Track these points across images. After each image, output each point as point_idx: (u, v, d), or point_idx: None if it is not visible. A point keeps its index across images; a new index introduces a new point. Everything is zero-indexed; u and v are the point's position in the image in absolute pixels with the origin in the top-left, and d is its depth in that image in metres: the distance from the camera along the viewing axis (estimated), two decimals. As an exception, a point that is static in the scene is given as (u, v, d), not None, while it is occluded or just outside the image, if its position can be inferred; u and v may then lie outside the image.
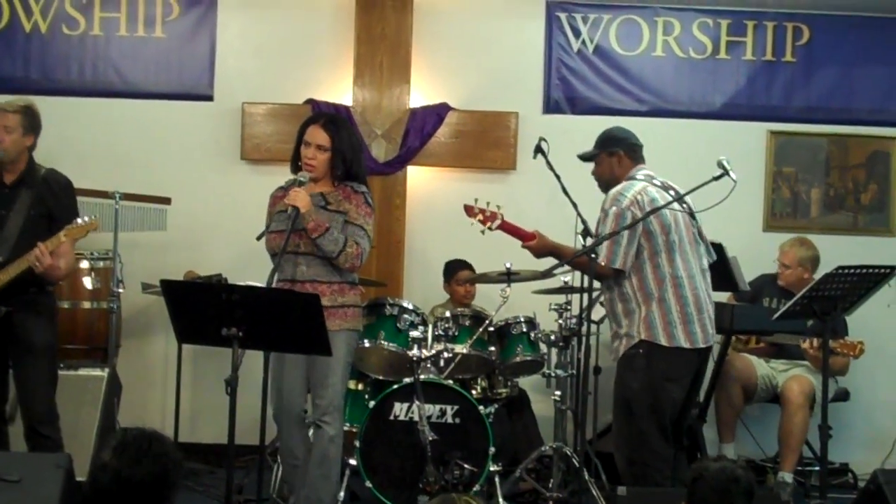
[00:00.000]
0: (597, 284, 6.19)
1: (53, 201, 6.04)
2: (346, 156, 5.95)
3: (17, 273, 5.85)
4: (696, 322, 5.91)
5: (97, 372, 7.05)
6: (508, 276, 7.06)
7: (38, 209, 5.97)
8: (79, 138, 8.14)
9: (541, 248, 6.16)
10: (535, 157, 6.69)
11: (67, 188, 6.18)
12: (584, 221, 6.37)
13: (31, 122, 6.11)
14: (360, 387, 7.05)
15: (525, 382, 7.61)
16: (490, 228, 6.23)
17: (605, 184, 6.22)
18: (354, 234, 5.87)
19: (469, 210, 6.26)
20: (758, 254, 8.03)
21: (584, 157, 6.32)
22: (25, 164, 6.11)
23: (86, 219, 5.88)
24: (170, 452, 3.37)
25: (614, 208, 5.91)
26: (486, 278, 7.37)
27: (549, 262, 6.52)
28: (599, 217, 6.02)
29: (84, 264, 7.41)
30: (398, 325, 6.85)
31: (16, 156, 6.07)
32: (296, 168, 6.03)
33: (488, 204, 6.24)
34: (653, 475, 5.85)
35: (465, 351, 6.93)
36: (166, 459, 3.33)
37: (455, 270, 7.92)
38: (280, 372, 5.94)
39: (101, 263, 7.50)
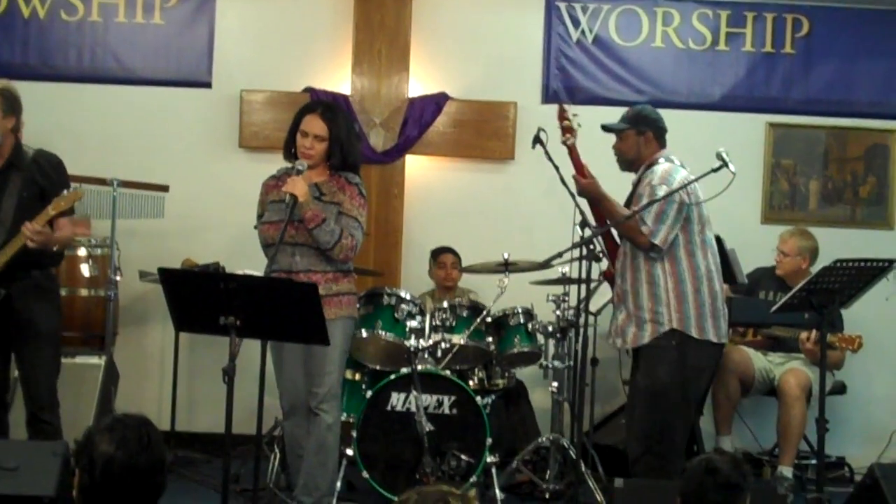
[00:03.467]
0: (594, 275, 6.22)
1: (45, 181, 5.98)
2: (343, 145, 5.94)
3: (12, 253, 5.82)
4: (721, 317, 5.99)
5: (94, 360, 7.05)
6: (506, 267, 7.05)
7: (29, 190, 5.92)
8: (76, 125, 8.12)
9: (591, 189, 6.05)
10: (533, 148, 6.67)
11: (58, 166, 6.12)
12: (581, 212, 6.35)
13: (10, 104, 6.03)
14: (358, 377, 7.05)
15: (522, 373, 7.61)
16: (566, 142, 6.13)
17: (628, 162, 6.24)
18: (348, 225, 5.86)
19: (561, 112, 6.13)
20: (755, 246, 8.02)
21: (611, 129, 6.27)
22: (11, 147, 6.06)
23: (73, 188, 5.81)
24: (160, 438, 3.39)
25: (665, 187, 5.90)
26: (484, 268, 7.36)
27: (547, 252, 6.52)
28: (642, 192, 5.97)
29: (82, 251, 7.41)
30: (396, 315, 6.84)
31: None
32: (289, 155, 6.02)
33: (575, 116, 6.14)
34: (667, 469, 5.84)
35: (462, 342, 6.92)
36: (161, 446, 3.35)
37: (437, 255, 7.97)
38: (280, 365, 5.96)
39: (99, 251, 7.49)
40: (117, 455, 3.27)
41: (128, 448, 3.28)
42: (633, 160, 6.20)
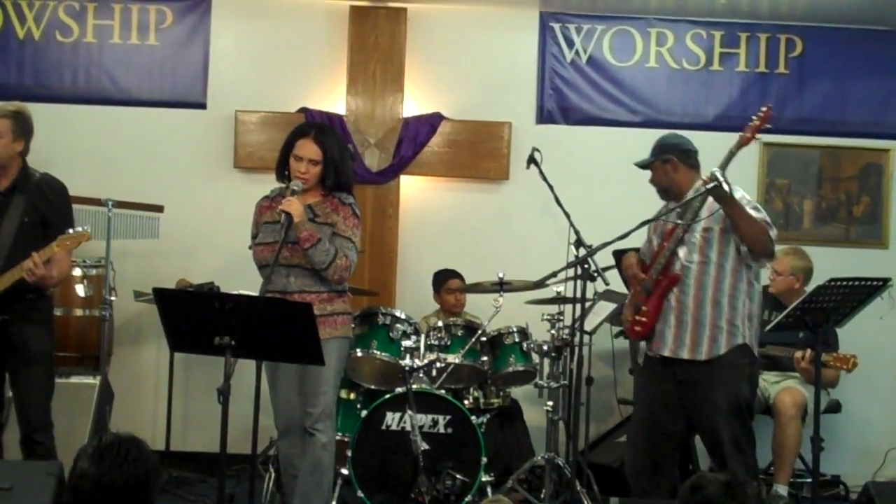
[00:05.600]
0: (589, 294, 6.23)
1: (47, 207, 6.02)
2: (337, 166, 5.94)
3: (10, 282, 5.85)
4: None
5: (89, 380, 7.05)
6: (501, 286, 7.06)
7: (31, 216, 5.95)
8: (72, 145, 8.13)
9: (729, 189, 5.80)
10: (528, 168, 6.71)
11: (62, 193, 6.17)
12: (577, 232, 6.36)
13: (22, 127, 6.08)
14: (353, 396, 7.06)
15: (517, 393, 7.62)
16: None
17: (663, 190, 6.18)
18: (343, 245, 5.86)
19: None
20: (750, 265, 8.04)
21: (640, 166, 6.24)
22: (18, 169, 6.09)
23: (79, 229, 5.85)
24: (148, 456, 3.38)
25: (749, 198, 5.97)
26: (479, 288, 7.36)
27: (542, 271, 6.52)
28: (743, 202, 5.87)
29: (76, 272, 7.39)
30: (391, 334, 6.86)
31: (7, 161, 6.05)
32: (281, 177, 6.02)
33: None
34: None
35: (457, 361, 6.94)
36: (145, 463, 3.34)
37: (445, 280, 7.93)
38: (275, 385, 5.94)
39: (94, 271, 7.48)
40: (90, 471, 3.28)
41: (101, 465, 3.28)
42: (668, 187, 6.13)
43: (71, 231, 5.86)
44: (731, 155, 5.85)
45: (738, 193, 5.89)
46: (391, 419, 6.69)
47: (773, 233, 5.91)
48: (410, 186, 8.47)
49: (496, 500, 3.02)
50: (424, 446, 6.51)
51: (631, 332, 6.27)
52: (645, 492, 6.03)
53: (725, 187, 5.68)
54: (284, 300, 5.59)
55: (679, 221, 5.97)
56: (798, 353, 7.10)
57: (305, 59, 8.49)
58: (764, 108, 5.88)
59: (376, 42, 8.37)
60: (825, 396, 7.41)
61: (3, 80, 8.35)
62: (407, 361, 6.74)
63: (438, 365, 6.92)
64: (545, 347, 7.05)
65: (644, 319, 6.07)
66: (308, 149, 5.90)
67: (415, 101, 8.44)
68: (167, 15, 8.44)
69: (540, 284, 6.74)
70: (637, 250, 6.36)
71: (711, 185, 5.67)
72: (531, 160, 6.68)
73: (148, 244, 7.91)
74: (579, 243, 6.32)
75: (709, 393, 5.90)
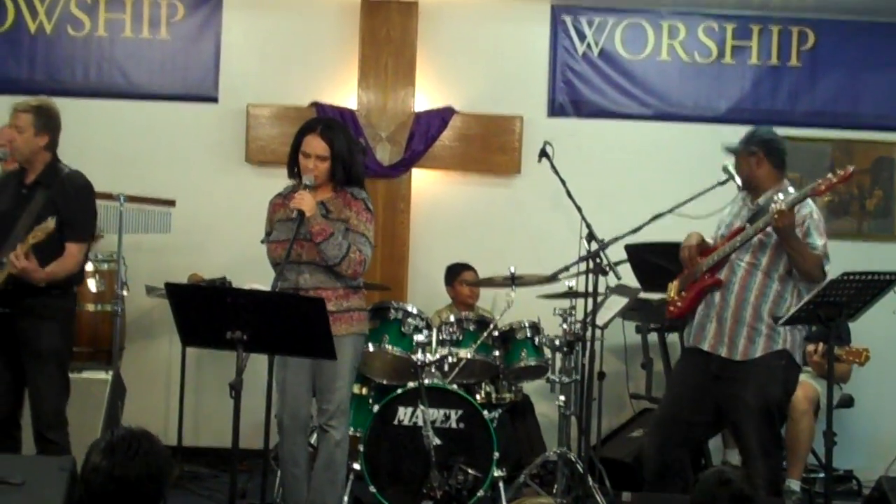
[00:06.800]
0: (601, 288, 6.23)
1: (63, 203, 5.99)
2: (345, 161, 5.90)
3: (4, 276, 5.83)
4: None
5: (101, 375, 7.05)
6: (513, 281, 7.04)
7: (48, 211, 5.90)
8: (83, 140, 8.08)
9: (791, 224, 5.78)
10: (539, 161, 6.69)
11: (82, 190, 6.14)
12: (588, 225, 6.35)
13: (45, 122, 6.08)
14: (365, 391, 7.03)
15: (529, 387, 7.60)
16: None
17: (744, 181, 6.08)
18: (356, 241, 5.83)
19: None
20: (762, 259, 8.02)
21: (728, 149, 6.16)
22: (44, 164, 6.08)
23: (48, 221, 5.81)
24: (159, 450, 3.39)
25: (816, 216, 5.90)
26: (491, 282, 7.35)
27: (554, 266, 6.51)
28: (809, 223, 5.86)
29: (88, 267, 7.39)
30: (402, 329, 6.84)
31: (30, 155, 6.04)
32: (292, 174, 6.00)
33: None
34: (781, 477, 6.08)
35: (469, 356, 6.91)
36: (157, 457, 3.35)
37: (459, 272, 7.93)
38: (284, 378, 5.91)
39: (106, 266, 7.47)
40: (102, 464, 3.28)
41: (113, 458, 3.28)
42: (746, 179, 6.05)
43: (45, 222, 5.81)
44: (804, 195, 5.77)
45: (807, 209, 5.83)
46: (403, 414, 6.68)
47: (828, 266, 5.87)
48: (422, 180, 8.47)
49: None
50: (436, 441, 6.51)
51: (667, 310, 6.27)
52: (655, 483, 6.01)
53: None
54: (296, 295, 5.59)
55: (747, 225, 5.91)
56: (810, 347, 7.09)
57: (317, 53, 8.49)
58: (844, 171, 5.77)
59: (388, 36, 8.37)
60: (838, 391, 7.39)
61: (14, 74, 8.38)
62: (419, 356, 6.74)
63: (450, 360, 6.90)
64: (557, 342, 7.03)
65: (680, 304, 6.07)
66: (315, 145, 5.87)
67: (426, 95, 8.44)
68: (178, 9, 8.45)
69: (552, 279, 6.73)
70: (659, 244, 6.31)
71: (774, 215, 5.62)
72: (542, 153, 6.67)
73: (160, 239, 7.92)
74: (591, 237, 6.31)
75: (740, 391, 5.87)
